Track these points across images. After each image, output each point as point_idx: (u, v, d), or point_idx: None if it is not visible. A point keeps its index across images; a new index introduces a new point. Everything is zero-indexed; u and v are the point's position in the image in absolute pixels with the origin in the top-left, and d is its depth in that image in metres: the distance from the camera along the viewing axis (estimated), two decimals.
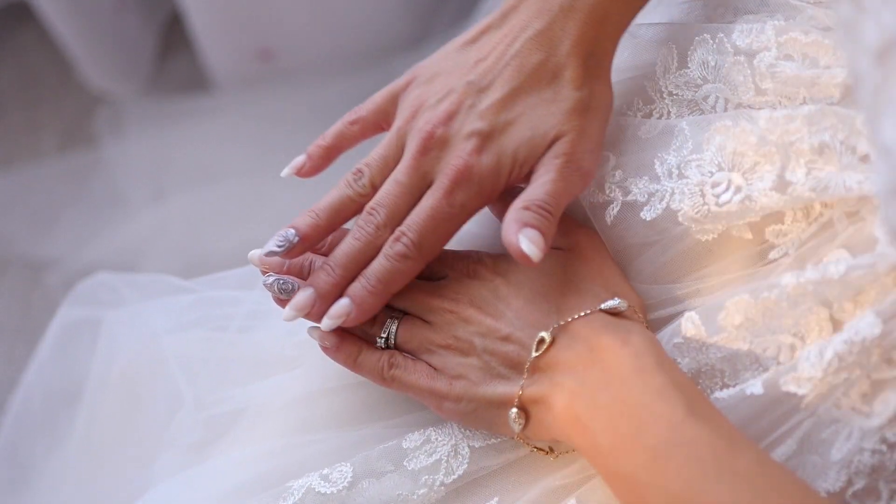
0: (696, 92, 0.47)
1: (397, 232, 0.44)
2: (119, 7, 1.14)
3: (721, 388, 0.43)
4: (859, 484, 0.40)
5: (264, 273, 0.47)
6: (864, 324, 0.39)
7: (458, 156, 0.44)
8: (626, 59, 0.50)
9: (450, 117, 0.45)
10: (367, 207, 0.45)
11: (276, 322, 0.55)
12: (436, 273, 0.47)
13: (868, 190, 0.40)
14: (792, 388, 0.40)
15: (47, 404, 0.67)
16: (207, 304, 0.60)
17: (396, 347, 0.46)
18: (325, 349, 0.47)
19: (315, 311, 0.45)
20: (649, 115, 0.48)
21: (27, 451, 0.68)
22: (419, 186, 0.45)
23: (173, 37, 1.23)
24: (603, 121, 0.46)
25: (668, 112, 0.47)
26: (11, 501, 0.68)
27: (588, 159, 0.45)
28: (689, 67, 0.47)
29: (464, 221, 0.45)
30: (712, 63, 0.46)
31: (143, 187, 1.09)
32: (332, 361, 0.47)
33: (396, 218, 0.45)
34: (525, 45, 0.45)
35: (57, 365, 0.66)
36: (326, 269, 0.45)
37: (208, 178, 1.07)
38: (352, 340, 0.46)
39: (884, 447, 0.39)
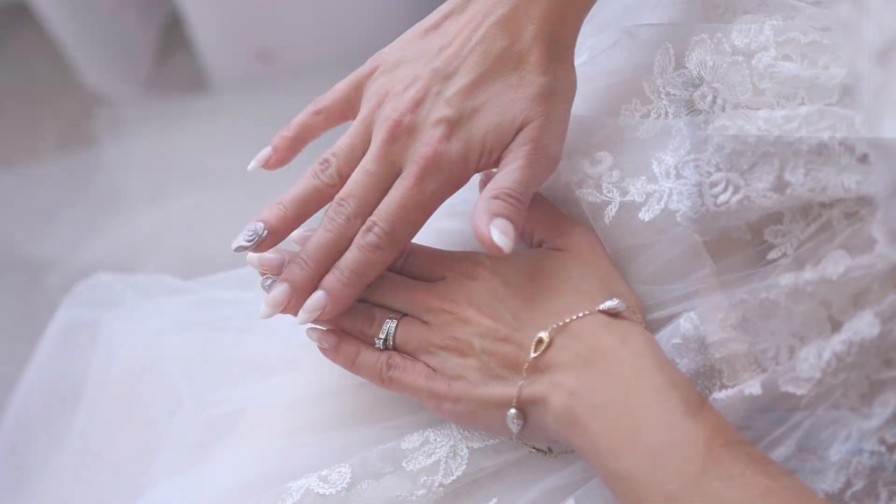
0: (693, 92, 0.47)
1: (369, 222, 0.44)
2: (118, 8, 1.14)
3: (720, 389, 0.43)
4: (858, 485, 0.40)
5: (263, 275, 0.47)
6: (862, 324, 0.39)
7: (426, 143, 0.44)
8: (623, 59, 0.50)
9: (416, 105, 0.45)
10: (337, 198, 0.45)
11: (275, 323, 0.54)
12: (434, 274, 0.47)
13: (867, 191, 0.40)
14: (790, 389, 0.40)
15: (47, 405, 0.67)
16: (207, 304, 0.60)
17: (395, 348, 0.46)
18: (323, 350, 0.47)
19: (291, 306, 0.45)
20: (647, 116, 0.48)
21: (27, 452, 0.68)
22: (388, 175, 0.45)
23: (172, 37, 1.23)
24: (568, 105, 0.46)
25: (666, 112, 0.47)
26: (11, 501, 0.68)
27: (555, 145, 0.45)
28: (686, 67, 0.47)
29: (434, 208, 0.45)
30: (710, 63, 0.46)
31: (143, 188, 1.09)
32: (331, 362, 0.47)
33: (367, 208, 0.45)
34: (489, 31, 0.45)
35: (56, 365, 0.66)
36: (300, 263, 0.45)
37: (208, 179, 1.07)
38: (350, 341, 0.46)
39: (882, 448, 0.39)
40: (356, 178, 0.45)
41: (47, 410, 0.67)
